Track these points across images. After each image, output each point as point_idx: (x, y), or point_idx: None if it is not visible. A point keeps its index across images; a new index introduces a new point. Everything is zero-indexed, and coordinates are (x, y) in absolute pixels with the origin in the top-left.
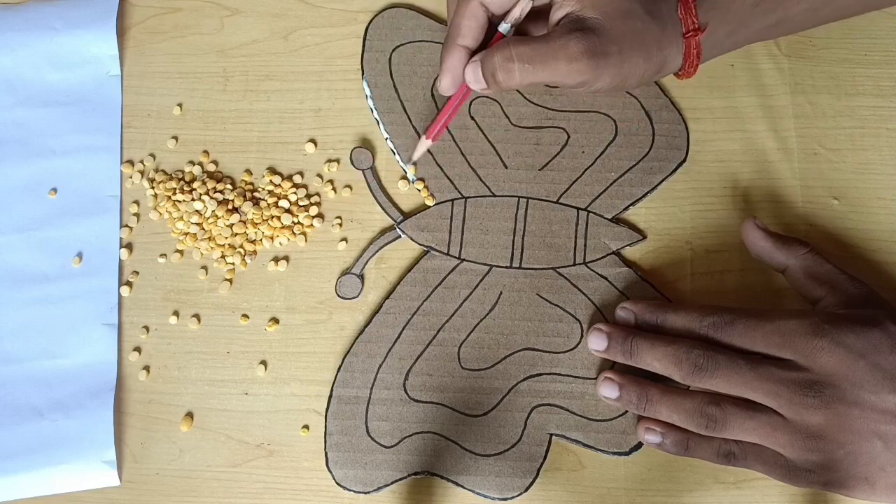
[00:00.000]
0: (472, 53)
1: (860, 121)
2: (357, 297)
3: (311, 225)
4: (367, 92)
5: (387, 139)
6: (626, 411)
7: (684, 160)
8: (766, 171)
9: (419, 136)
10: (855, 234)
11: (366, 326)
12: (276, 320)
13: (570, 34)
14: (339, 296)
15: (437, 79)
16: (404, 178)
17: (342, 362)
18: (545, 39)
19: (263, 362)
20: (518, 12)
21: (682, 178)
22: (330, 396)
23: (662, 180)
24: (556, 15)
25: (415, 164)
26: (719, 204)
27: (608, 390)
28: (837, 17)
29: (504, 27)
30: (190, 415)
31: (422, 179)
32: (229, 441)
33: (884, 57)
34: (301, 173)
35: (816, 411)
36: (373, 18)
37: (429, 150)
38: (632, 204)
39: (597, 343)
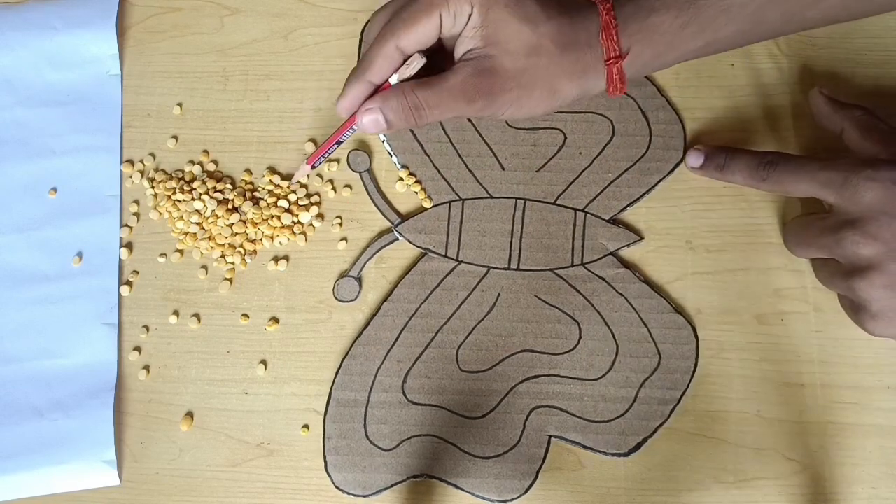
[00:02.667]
0: (376, 88)
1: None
2: (355, 299)
3: (311, 224)
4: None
5: (384, 141)
6: (625, 412)
7: (681, 160)
8: None
9: (415, 137)
10: None
11: (364, 329)
12: (276, 320)
13: (469, 76)
14: (336, 299)
15: (338, 98)
16: (401, 179)
17: (340, 365)
18: (445, 80)
19: (263, 362)
20: (409, 71)
21: (682, 177)
22: (328, 399)
23: (660, 181)
24: (460, 50)
25: (298, 183)
26: (719, 204)
27: (694, 159)
28: (769, 36)
29: (393, 79)
30: (190, 414)
31: (419, 181)
32: (229, 441)
33: (884, 57)
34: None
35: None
36: (370, 19)
37: (426, 153)
38: (629, 205)
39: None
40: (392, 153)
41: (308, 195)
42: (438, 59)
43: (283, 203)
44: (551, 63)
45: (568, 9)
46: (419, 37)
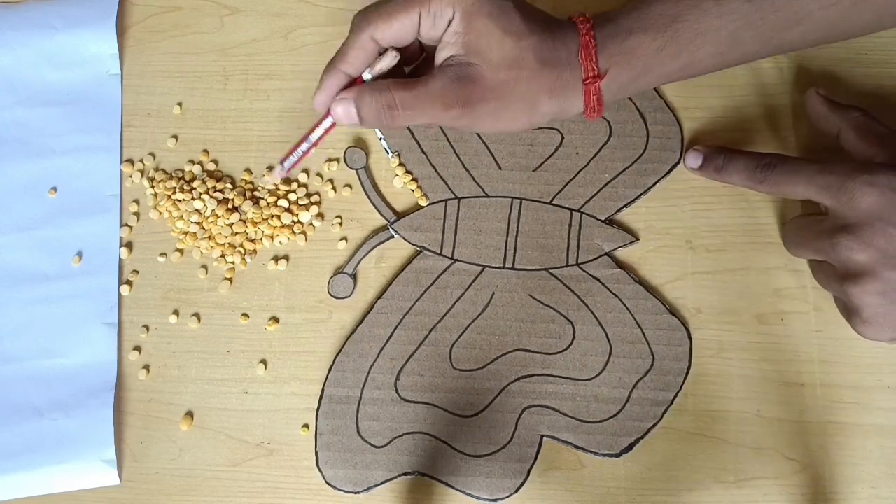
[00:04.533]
0: (351, 80)
1: None
2: (349, 296)
3: (311, 224)
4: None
5: (381, 139)
6: (618, 413)
7: (678, 162)
8: None
9: (412, 135)
10: None
11: (357, 326)
12: (275, 319)
13: (448, 82)
14: (331, 295)
15: (315, 92)
16: (398, 176)
17: (333, 362)
18: (424, 84)
19: (263, 361)
20: (382, 65)
21: (682, 177)
22: (321, 396)
23: (656, 182)
24: (441, 56)
25: (275, 184)
26: (719, 203)
27: (693, 160)
28: (748, 59)
29: (367, 75)
30: (190, 414)
31: (415, 179)
32: (229, 440)
33: (884, 57)
34: (302, 172)
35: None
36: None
37: (423, 151)
38: (625, 205)
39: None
40: (388, 151)
41: (308, 195)
42: (422, 66)
43: (283, 203)
44: (532, 77)
45: (550, 25)
46: (395, 32)
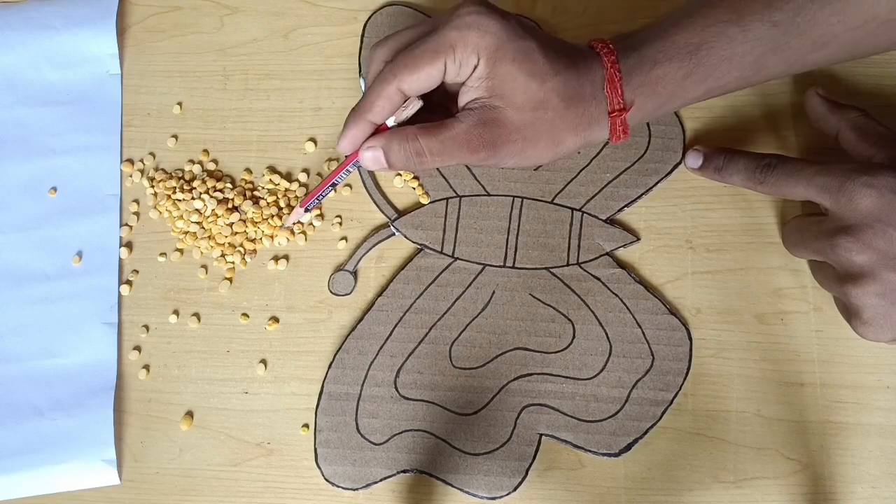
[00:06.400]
0: (375, 128)
1: None
2: (349, 293)
3: (311, 224)
4: (364, 89)
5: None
6: (617, 412)
7: (679, 162)
8: None
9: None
10: None
11: (357, 323)
12: (275, 319)
13: (473, 126)
14: (331, 292)
15: (339, 138)
16: (399, 175)
17: (333, 359)
18: (449, 128)
19: (263, 361)
20: (407, 113)
21: (682, 177)
22: (321, 393)
23: (658, 182)
24: (465, 98)
25: (289, 228)
26: (719, 203)
27: (693, 160)
28: (771, 79)
29: (391, 122)
30: (190, 414)
31: (417, 178)
32: (229, 440)
33: (884, 56)
34: (302, 171)
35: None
36: (371, 16)
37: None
38: (626, 205)
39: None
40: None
41: (308, 195)
42: (437, 95)
43: (283, 202)
44: (556, 117)
45: (575, 61)
46: (421, 82)
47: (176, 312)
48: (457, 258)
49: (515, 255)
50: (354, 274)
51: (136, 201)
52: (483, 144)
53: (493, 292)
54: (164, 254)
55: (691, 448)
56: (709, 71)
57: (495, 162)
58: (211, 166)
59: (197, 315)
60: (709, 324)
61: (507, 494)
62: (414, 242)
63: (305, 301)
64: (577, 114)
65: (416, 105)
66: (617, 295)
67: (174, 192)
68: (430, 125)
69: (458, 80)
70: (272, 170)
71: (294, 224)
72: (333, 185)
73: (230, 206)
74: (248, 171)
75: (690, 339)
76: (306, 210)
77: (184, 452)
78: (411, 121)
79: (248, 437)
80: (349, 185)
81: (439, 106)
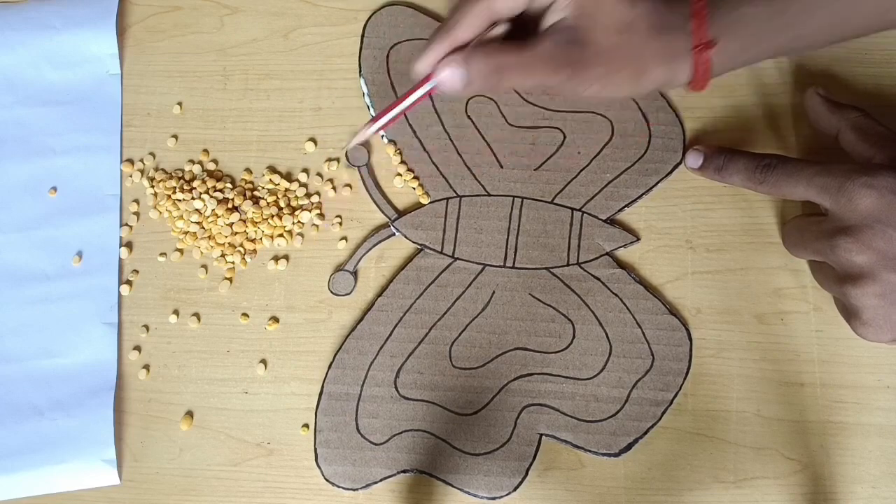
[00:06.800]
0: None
1: None
2: (349, 293)
3: (312, 224)
4: (364, 89)
5: (382, 136)
6: (617, 412)
7: (680, 162)
8: None
9: (414, 133)
10: None
11: (358, 323)
12: (275, 319)
13: (557, 45)
14: (331, 292)
15: (417, 59)
16: (399, 175)
17: (333, 359)
18: (531, 47)
19: (263, 361)
20: (494, 34)
21: (683, 177)
22: (321, 393)
23: (658, 182)
24: (550, 18)
25: (347, 156)
26: (719, 203)
27: (693, 160)
28: (854, 35)
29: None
30: (190, 414)
31: (417, 178)
32: (229, 440)
33: (884, 56)
34: (302, 171)
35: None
36: (371, 16)
37: (425, 149)
38: (627, 205)
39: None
40: (393, 144)
41: (308, 195)
42: (517, 27)
43: (282, 202)
44: (642, 43)
45: None
46: (513, 1)
47: (176, 312)
48: (457, 258)
49: (515, 255)
50: (354, 274)
51: (136, 201)
52: (566, 64)
53: (493, 292)
54: (164, 254)
55: (691, 448)
56: (795, 14)
57: (575, 85)
58: (211, 166)
59: (197, 315)
60: (709, 324)
61: (507, 494)
62: (414, 242)
63: (305, 301)
64: (663, 43)
65: (504, 28)
66: (617, 295)
67: (174, 192)
68: (512, 42)
69: (546, 3)
70: (272, 170)
71: (358, 142)
72: (406, 106)
73: (230, 206)
74: (248, 171)
75: (690, 339)
76: (369, 128)
77: (184, 452)
78: None
79: (248, 437)
80: (349, 185)
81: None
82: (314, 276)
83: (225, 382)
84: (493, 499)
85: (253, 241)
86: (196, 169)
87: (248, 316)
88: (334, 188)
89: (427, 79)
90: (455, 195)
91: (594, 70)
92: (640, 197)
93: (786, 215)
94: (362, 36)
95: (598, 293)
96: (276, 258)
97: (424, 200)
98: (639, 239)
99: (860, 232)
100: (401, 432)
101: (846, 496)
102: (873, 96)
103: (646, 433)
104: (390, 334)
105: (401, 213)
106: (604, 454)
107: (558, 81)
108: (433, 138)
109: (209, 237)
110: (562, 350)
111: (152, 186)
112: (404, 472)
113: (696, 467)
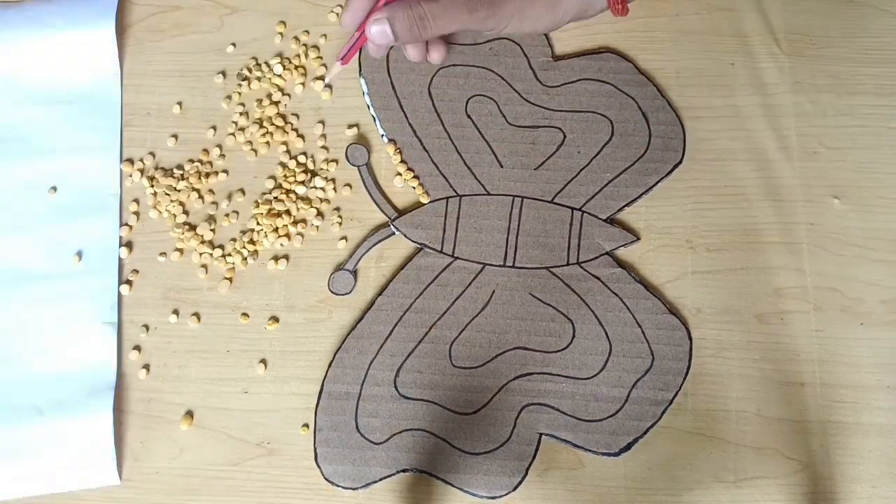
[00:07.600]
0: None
1: (861, 119)
2: (349, 293)
3: (312, 223)
4: (364, 88)
5: (382, 136)
6: (617, 412)
7: (680, 161)
8: (767, 170)
9: (413, 133)
10: (856, 234)
11: (358, 323)
12: (275, 319)
13: None
14: (331, 291)
15: (342, 12)
16: (399, 175)
17: (333, 358)
18: None
19: (263, 361)
20: None
21: (682, 176)
22: (321, 392)
23: (658, 181)
24: None
25: (328, 86)
26: (719, 203)
27: (379, 33)
28: None
29: None
30: (190, 413)
31: (417, 177)
32: (229, 440)
33: (885, 56)
34: (302, 172)
35: None
36: None
37: (425, 149)
38: (627, 205)
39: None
40: (376, 118)
41: (307, 189)
42: None
43: (282, 202)
44: None
45: None
46: None
47: (176, 312)
48: (457, 258)
49: (515, 254)
50: (354, 273)
51: (136, 201)
52: (481, 3)
53: (493, 292)
54: (164, 253)
55: (691, 448)
56: None
57: (495, 23)
58: (210, 166)
59: (197, 315)
60: (709, 323)
61: (507, 494)
62: (414, 242)
63: (305, 301)
64: None
65: None
66: (617, 294)
67: (174, 192)
68: None
69: None
70: (272, 170)
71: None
72: (340, 57)
73: (233, 206)
74: (248, 171)
75: (690, 338)
76: (344, 64)
77: (184, 452)
78: None
79: (248, 436)
80: (349, 185)
81: None
82: (314, 275)
83: (225, 382)
84: (493, 498)
85: (253, 241)
86: (196, 168)
87: (248, 316)
88: (334, 188)
89: (361, 40)
90: (455, 194)
91: (509, 5)
92: (640, 196)
93: (785, 215)
94: None
95: (598, 293)
96: (276, 258)
97: (424, 200)
98: (639, 238)
99: None
100: (401, 431)
101: (846, 496)
102: (874, 96)
103: (646, 433)
104: (390, 333)
105: (401, 213)
106: (603, 454)
107: (477, 21)
108: (433, 137)
109: (209, 239)
110: (562, 349)
111: (152, 186)
112: (404, 471)
113: (696, 467)
